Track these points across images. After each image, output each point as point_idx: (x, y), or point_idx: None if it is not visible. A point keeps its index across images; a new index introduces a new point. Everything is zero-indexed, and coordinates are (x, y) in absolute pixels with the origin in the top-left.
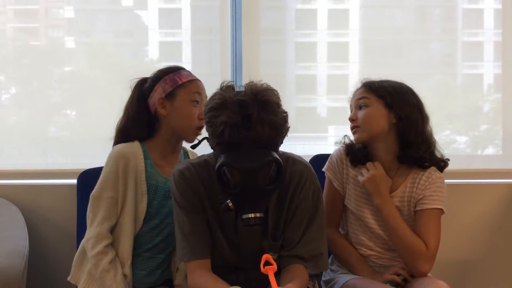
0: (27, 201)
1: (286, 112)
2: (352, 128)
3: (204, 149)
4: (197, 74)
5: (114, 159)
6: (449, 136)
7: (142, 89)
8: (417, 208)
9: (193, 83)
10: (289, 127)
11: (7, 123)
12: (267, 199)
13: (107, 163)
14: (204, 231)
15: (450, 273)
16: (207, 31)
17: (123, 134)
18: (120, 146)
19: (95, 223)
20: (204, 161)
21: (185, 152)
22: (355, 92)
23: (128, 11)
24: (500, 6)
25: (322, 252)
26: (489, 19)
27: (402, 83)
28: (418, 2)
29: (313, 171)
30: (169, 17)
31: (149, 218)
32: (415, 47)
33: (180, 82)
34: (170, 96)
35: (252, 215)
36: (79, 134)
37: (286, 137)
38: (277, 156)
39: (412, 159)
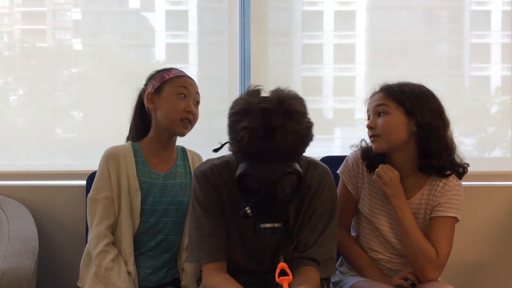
0: (37, 202)
1: (311, 122)
2: (370, 136)
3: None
4: (204, 75)
5: (104, 160)
6: (456, 138)
7: (142, 94)
8: (432, 215)
9: (180, 78)
10: (313, 136)
11: (14, 124)
12: (287, 209)
13: (99, 166)
14: (223, 234)
15: (459, 276)
16: (214, 33)
17: (130, 134)
18: (109, 148)
19: (94, 224)
20: (226, 162)
21: (183, 150)
22: (373, 96)
23: (135, 13)
24: (508, 8)
25: (332, 257)
26: (497, 21)
27: (423, 86)
28: (425, 3)
29: (332, 176)
30: (176, 19)
31: (146, 215)
32: (422, 48)
33: (167, 78)
34: (157, 91)
35: (269, 225)
36: (86, 136)
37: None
38: (298, 167)
39: (433, 168)
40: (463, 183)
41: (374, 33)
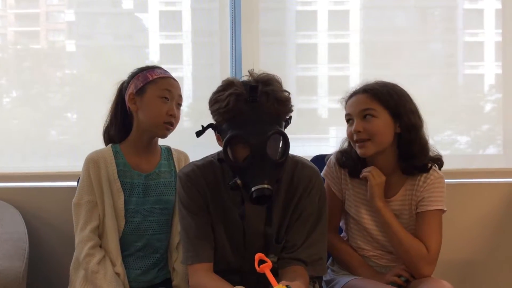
0: (28, 203)
1: (289, 92)
2: (357, 141)
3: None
4: (198, 76)
5: (84, 165)
6: (450, 136)
7: (123, 90)
8: (417, 211)
9: (164, 80)
10: (292, 106)
11: (8, 126)
12: (275, 174)
13: (81, 171)
14: (209, 234)
15: (451, 273)
16: (207, 34)
17: (107, 136)
18: (90, 153)
19: (79, 229)
20: (209, 162)
21: (167, 149)
22: (352, 97)
23: (128, 14)
24: (500, 6)
25: (322, 257)
26: (489, 19)
27: (399, 86)
28: (418, 2)
29: (321, 177)
30: (169, 20)
31: (131, 216)
32: (416, 47)
33: (150, 79)
34: (140, 91)
35: (260, 186)
36: (80, 137)
37: (289, 120)
38: (282, 130)
39: (416, 169)
40: (457, 181)
41: (368, 33)
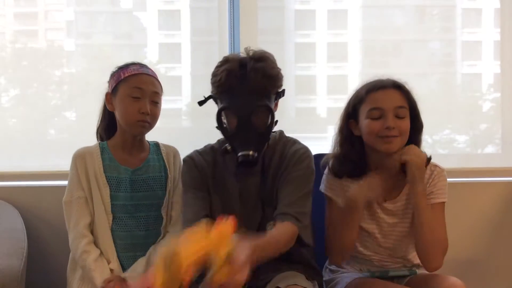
0: (26, 202)
1: (280, 71)
2: (386, 136)
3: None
4: (196, 75)
5: (72, 161)
6: (449, 135)
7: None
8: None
9: (133, 78)
10: (282, 80)
11: (6, 125)
12: (261, 142)
13: (69, 169)
14: (206, 207)
15: (449, 271)
16: (206, 33)
17: (99, 136)
18: (77, 149)
19: (72, 226)
20: (210, 148)
21: (156, 145)
22: (385, 91)
23: (127, 13)
24: (498, 5)
25: (306, 212)
26: (488, 18)
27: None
28: (417, 1)
29: (312, 155)
30: (168, 19)
31: (118, 211)
32: (415, 46)
33: (122, 77)
34: (114, 91)
35: (246, 152)
36: (79, 136)
37: (282, 94)
38: (268, 103)
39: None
40: (455, 179)
41: (366, 32)
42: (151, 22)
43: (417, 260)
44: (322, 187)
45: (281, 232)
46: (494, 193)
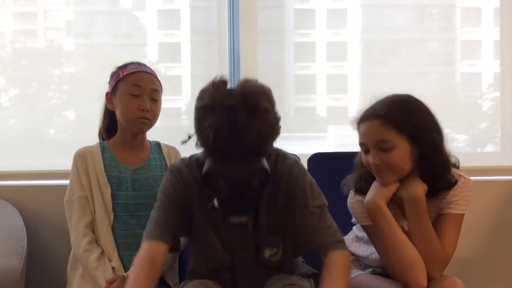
0: (26, 202)
1: (277, 117)
2: (376, 172)
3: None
4: (196, 75)
5: (73, 160)
6: (448, 135)
7: None
8: (441, 212)
9: (132, 76)
10: (279, 130)
11: (6, 124)
12: (254, 203)
13: (71, 169)
14: (174, 224)
15: (448, 270)
16: (205, 32)
17: (101, 136)
18: (78, 149)
19: (73, 225)
20: (195, 161)
21: (157, 144)
22: (367, 124)
23: (126, 12)
24: (498, 5)
25: (335, 227)
26: (487, 17)
27: (412, 98)
28: (416, 1)
29: (302, 165)
30: (167, 18)
31: (119, 210)
32: (414, 46)
33: (121, 76)
34: (113, 90)
35: (237, 219)
36: (78, 136)
37: (276, 140)
38: (264, 163)
39: (442, 189)
40: None
41: (366, 31)
42: (150, 22)
43: None
44: (355, 221)
45: (344, 264)
46: (494, 192)
